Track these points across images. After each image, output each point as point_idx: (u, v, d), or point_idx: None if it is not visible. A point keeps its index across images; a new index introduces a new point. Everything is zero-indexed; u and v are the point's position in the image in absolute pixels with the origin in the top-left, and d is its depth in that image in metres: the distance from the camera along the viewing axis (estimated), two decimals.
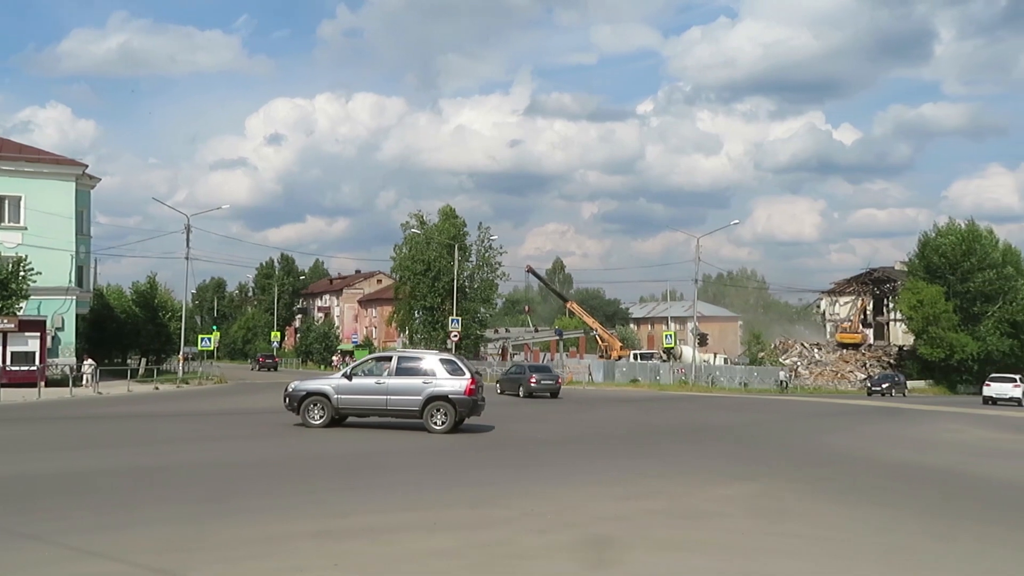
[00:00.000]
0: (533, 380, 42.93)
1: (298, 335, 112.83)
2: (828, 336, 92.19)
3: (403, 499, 11.79)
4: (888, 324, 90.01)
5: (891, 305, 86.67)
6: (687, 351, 73.18)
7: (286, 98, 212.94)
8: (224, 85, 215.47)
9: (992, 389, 51.08)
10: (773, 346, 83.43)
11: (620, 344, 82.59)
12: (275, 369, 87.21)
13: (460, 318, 67.98)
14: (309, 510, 10.88)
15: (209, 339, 60.16)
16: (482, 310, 75.93)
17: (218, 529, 9.65)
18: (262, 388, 45.86)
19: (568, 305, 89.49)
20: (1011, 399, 50.29)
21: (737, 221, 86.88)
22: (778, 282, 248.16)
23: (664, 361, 71.24)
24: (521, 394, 42.52)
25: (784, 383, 64.99)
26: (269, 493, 12.18)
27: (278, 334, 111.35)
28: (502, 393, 44.18)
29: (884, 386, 62.28)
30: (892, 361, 78.24)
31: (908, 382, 68.72)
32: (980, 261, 71.35)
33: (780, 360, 78.01)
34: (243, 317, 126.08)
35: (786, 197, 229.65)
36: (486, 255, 75.32)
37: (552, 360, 76.19)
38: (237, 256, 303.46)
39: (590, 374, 68.39)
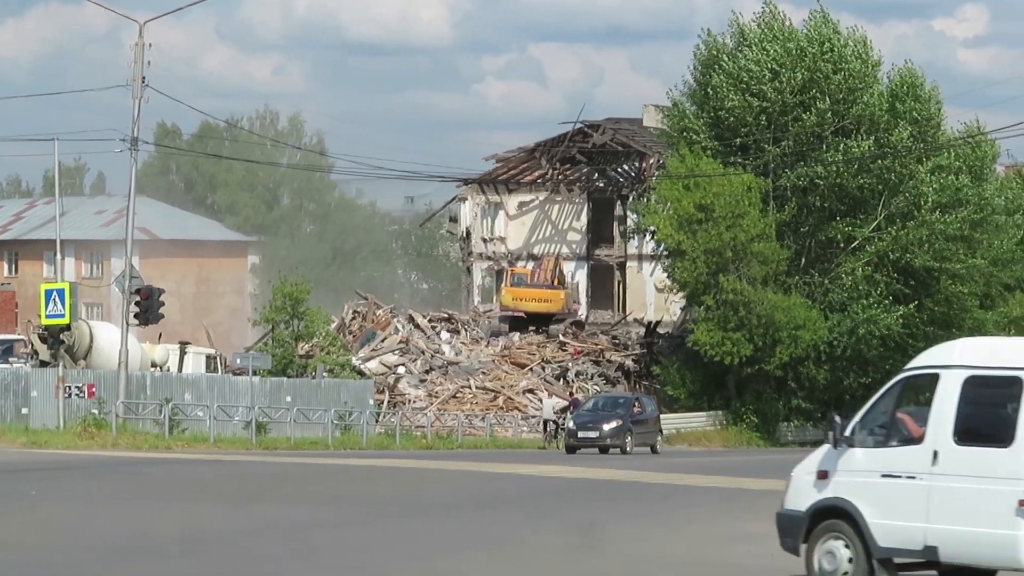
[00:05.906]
0: None
1: None
2: (475, 297, 62.90)
3: None
4: (623, 269, 64.19)
5: (631, 217, 59.84)
6: (105, 333, 44.33)
7: None
8: None
9: None
10: (339, 321, 54.73)
11: None
12: None
13: None
14: None
15: None
16: None
17: None
18: None
19: None
20: None
21: None
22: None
23: (43, 363, 41.87)
24: None
25: (557, 424, 43.88)
26: None
27: None
28: None
29: (608, 427, 40.50)
30: (632, 362, 53.18)
31: (673, 415, 47.20)
32: (847, 93, 44.85)
33: (354, 357, 50.90)
34: None
35: None
36: None
37: None
38: None
39: None
